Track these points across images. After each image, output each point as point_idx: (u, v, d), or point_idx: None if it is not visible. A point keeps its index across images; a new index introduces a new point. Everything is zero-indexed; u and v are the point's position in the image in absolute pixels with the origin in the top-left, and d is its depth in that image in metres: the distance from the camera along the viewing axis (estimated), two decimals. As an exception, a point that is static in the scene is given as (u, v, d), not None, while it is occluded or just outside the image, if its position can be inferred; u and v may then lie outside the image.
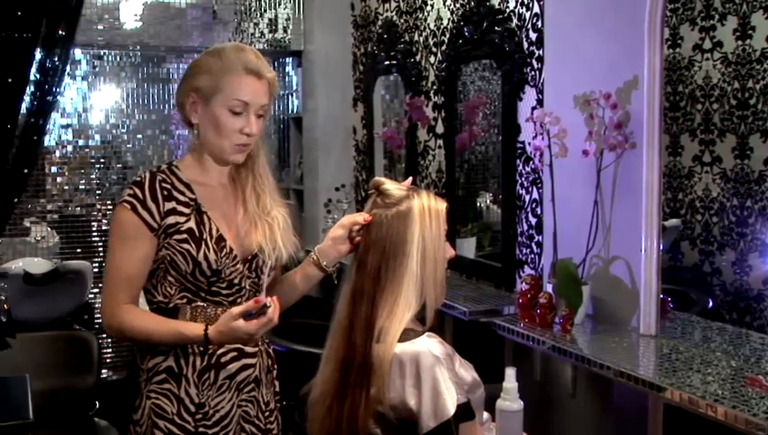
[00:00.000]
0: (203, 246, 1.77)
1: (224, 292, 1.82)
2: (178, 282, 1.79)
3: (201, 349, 1.81)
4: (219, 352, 1.82)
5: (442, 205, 1.74)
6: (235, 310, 1.69)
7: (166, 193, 1.79)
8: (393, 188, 1.74)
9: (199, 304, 1.81)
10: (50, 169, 4.85)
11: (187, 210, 1.80)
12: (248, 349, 1.87)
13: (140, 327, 1.77)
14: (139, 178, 1.81)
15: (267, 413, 1.93)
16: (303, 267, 1.93)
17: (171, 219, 1.78)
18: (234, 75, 1.78)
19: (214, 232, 1.80)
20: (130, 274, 1.77)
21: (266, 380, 1.94)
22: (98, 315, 4.69)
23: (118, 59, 4.97)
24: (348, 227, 1.81)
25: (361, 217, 1.75)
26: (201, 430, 1.81)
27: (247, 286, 1.86)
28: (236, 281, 1.84)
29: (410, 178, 1.87)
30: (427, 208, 1.70)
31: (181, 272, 1.78)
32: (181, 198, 1.80)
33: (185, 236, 1.77)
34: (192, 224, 1.79)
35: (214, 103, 1.78)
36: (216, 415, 1.82)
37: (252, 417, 1.89)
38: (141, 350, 1.86)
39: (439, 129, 3.84)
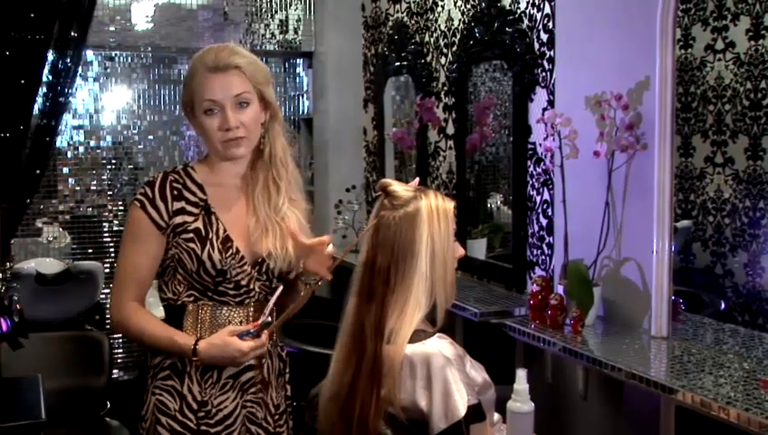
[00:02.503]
0: (207, 245, 1.79)
1: (231, 292, 1.83)
2: (186, 280, 1.82)
3: None
4: None
5: (450, 204, 1.74)
6: (234, 327, 1.77)
7: (176, 193, 1.82)
8: (401, 189, 1.74)
9: (206, 302, 1.83)
10: (61, 170, 4.87)
11: (195, 210, 1.82)
12: None
13: (139, 326, 1.81)
14: (151, 179, 1.85)
15: (277, 416, 1.93)
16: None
17: (179, 219, 1.80)
18: (198, 78, 1.80)
19: (221, 232, 1.82)
20: (139, 272, 1.82)
21: (277, 383, 1.94)
22: (109, 316, 4.71)
23: (129, 60, 4.99)
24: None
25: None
26: (203, 428, 1.82)
27: (257, 289, 1.86)
28: (244, 283, 1.84)
29: (417, 179, 1.87)
30: (435, 209, 1.70)
31: (187, 270, 1.81)
32: (191, 198, 1.83)
33: (191, 235, 1.80)
34: (199, 224, 1.81)
35: (196, 111, 1.82)
36: (218, 414, 1.83)
37: (259, 419, 1.89)
38: (151, 348, 1.88)
39: (450, 130, 3.83)
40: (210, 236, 1.81)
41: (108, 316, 4.60)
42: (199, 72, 1.80)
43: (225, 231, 1.82)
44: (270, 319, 1.79)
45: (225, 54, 1.80)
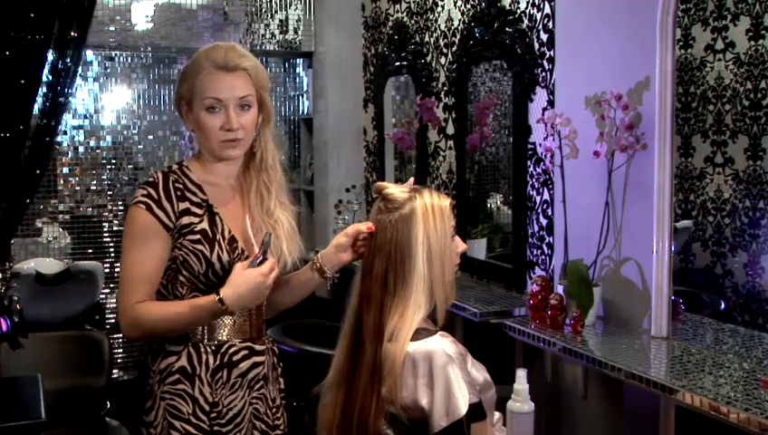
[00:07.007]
0: (216, 247, 1.79)
1: None
2: (190, 282, 1.81)
3: (213, 348, 1.82)
4: (231, 350, 1.84)
5: (445, 201, 1.73)
6: (241, 263, 1.74)
7: (179, 193, 1.80)
8: (396, 191, 1.74)
9: None
10: (61, 170, 4.87)
11: (199, 211, 1.81)
12: (257, 347, 1.88)
13: (153, 319, 1.75)
14: (152, 179, 1.81)
15: (274, 410, 1.95)
16: (305, 271, 1.95)
17: (185, 220, 1.79)
18: (204, 74, 1.79)
19: (226, 233, 1.82)
20: (150, 272, 1.77)
21: (272, 377, 1.96)
22: (109, 315, 4.71)
23: (129, 60, 4.99)
24: (352, 237, 1.84)
25: (365, 227, 1.76)
26: (216, 428, 1.82)
27: None
28: None
29: (412, 178, 1.87)
30: (430, 207, 1.70)
31: (194, 272, 1.79)
32: (194, 198, 1.82)
33: (198, 236, 1.79)
34: (205, 225, 1.80)
35: (195, 107, 1.80)
36: (229, 413, 1.84)
37: (261, 414, 1.91)
38: (153, 351, 1.87)
39: (450, 130, 3.83)
40: (217, 237, 1.80)
41: (111, 321, 4.65)
42: (205, 68, 1.78)
43: (230, 231, 1.83)
44: (267, 238, 1.75)
45: (235, 55, 1.80)
